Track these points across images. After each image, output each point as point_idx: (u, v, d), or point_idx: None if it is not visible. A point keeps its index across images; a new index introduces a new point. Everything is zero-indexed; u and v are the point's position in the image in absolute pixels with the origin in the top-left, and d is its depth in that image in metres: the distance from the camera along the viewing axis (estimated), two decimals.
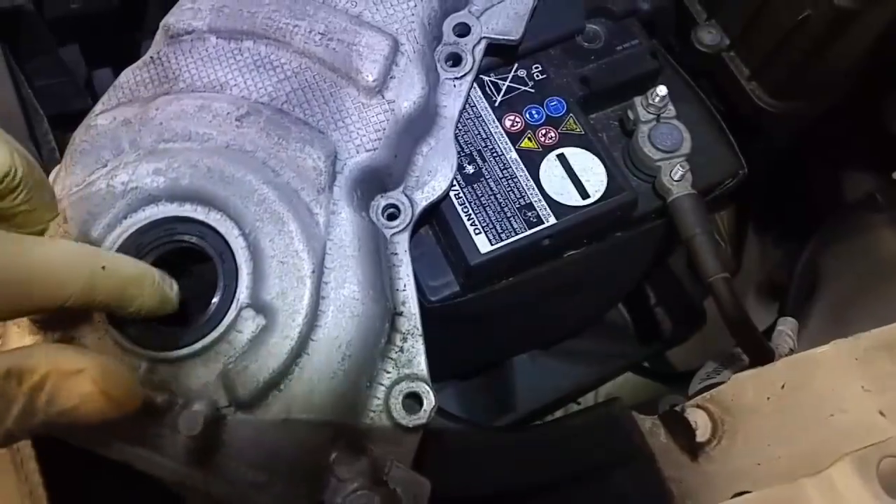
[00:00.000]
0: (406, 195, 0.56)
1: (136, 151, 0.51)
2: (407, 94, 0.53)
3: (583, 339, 0.88)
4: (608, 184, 0.61)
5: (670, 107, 0.64)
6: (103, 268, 0.40)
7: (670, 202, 0.63)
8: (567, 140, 0.62)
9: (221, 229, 0.49)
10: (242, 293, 0.48)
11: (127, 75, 0.55)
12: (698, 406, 0.55)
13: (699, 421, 0.54)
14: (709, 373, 0.70)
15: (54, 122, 0.71)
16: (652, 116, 0.64)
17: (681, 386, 0.91)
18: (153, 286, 0.44)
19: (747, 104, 0.67)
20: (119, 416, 0.37)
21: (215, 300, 0.48)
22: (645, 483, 0.52)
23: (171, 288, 0.45)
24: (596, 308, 0.79)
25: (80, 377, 0.36)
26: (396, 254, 0.55)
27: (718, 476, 0.52)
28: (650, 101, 0.64)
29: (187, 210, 0.50)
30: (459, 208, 0.59)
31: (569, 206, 0.60)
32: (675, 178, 0.63)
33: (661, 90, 0.63)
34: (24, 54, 0.72)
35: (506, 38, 0.60)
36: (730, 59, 0.68)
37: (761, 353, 0.61)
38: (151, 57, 0.55)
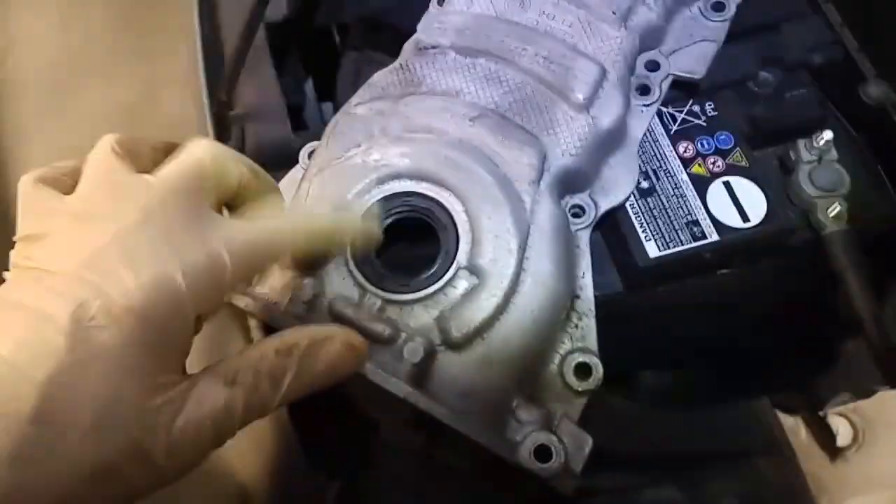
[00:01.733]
0: (592, 198, 0.66)
1: (386, 137, 0.64)
2: (608, 112, 0.63)
3: (709, 370, 0.93)
4: (767, 211, 0.69)
5: (833, 151, 0.71)
6: (312, 223, 0.54)
7: (824, 235, 0.69)
8: (733, 170, 0.70)
9: (448, 205, 0.61)
10: (461, 257, 0.59)
11: (379, 77, 0.68)
12: (841, 414, 0.60)
13: (841, 428, 0.59)
14: (844, 400, 0.74)
15: None
16: (814, 158, 0.71)
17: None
18: (353, 229, 0.57)
19: None
20: (360, 367, 0.50)
21: (439, 260, 0.60)
22: (785, 473, 0.57)
23: (376, 225, 0.59)
24: (734, 331, 0.85)
25: (332, 340, 0.48)
26: (578, 247, 0.65)
27: (855, 478, 0.57)
28: (814, 144, 0.71)
29: (424, 187, 0.62)
30: (633, 217, 0.68)
31: (730, 226, 0.68)
32: (832, 214, 0.69)
33: (828, 134, 0.69)
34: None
35: (689, 75, 0.70)
36: None
37: None
38: (400, 64, 0.68)
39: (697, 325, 0.78)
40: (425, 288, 0.59)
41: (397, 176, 0.62)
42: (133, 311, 0.41)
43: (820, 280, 0.77)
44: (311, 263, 0.61)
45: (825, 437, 0.60)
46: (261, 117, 0.75)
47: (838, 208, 0.69)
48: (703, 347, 0.82)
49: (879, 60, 0.75)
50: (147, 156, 0.48)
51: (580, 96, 0.63)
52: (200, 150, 0.47)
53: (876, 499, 0.53)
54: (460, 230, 0.60)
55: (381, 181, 0.62)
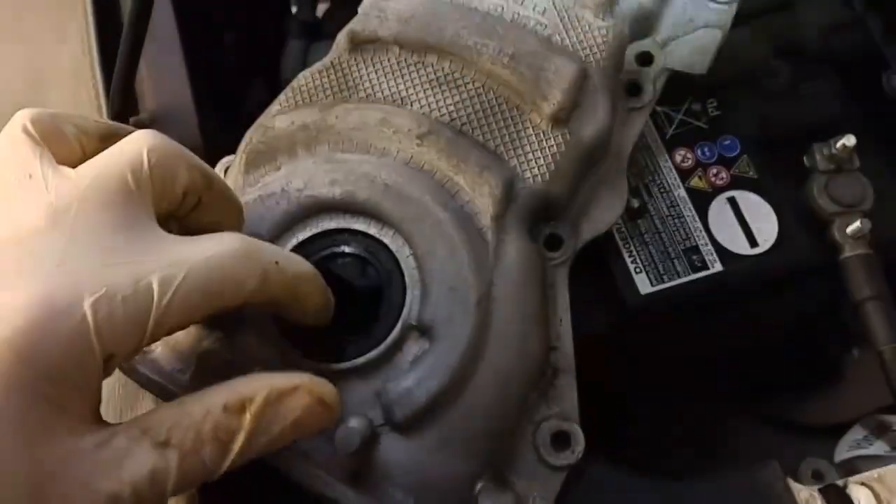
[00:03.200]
0: (571, 226, 0.54)
1: (313, 158, 0.52)
2: (590, 124, 0.51)
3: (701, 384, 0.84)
4: (779, 234, 0.58)
5: (855, 159, 0.60)
6: (276, 263, 0.40)
7: (843, 260, 0.59)
8: (739, 183, 0.59)
9: (392, 247, 0.49)
10: (408, 314, 0.48)
11: (305, 78, 0.55)
12: (863, 483, 0.51)
13: (862, 499, 0.50)
14: (858, 440, 0.65)
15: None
16: (832, 167, 0.60)
17: (807, 441, 0.86)
18: (321, 286, 0.44)
19: None
20: (331, 424, 0.39)
21: (381, 318, 0.48)
22: None
23: (330, 297, 0.45)
24: (737, 361, 0.76)
25: (297, 393, 0.37)
26: (554, 286, 0.54)
27: None
28: (833, 151, 0.59)
29: (360, 224, 0.49)
30: (620, 243, 0.57)
31: (736, 254, 0.57)
32: (851, 234, 0.58)
33: (850, 140, 0.58)
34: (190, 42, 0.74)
35: (689, 70, 0.57)
36: None
37: None
38: (332, 62, 0.55)
39: (690, 360, 0.68)
40: (363, 354, 0.47)
41: (326, 209, 0.49)
42: (10, 342, 0.30)
43: (830, 301, 0.68)
44: (217, 320, 0.49)
45: None
46: (169, 122, 0.62)
47: (859, 227, 0.58)
48: (696, 382, 0.72)
49: None
50: (72, 141, 0.38)
51: (555, 105, 0.50)
52: (141, 143, 0.37)
53: None
54: (407, 280, 0.48)
55: (306, 215, 0.49)
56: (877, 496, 0.51)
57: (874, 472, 0.52)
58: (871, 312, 0.57)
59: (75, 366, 0.32)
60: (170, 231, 0.38)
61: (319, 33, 0.86)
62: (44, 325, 0.31)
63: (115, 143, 0.38)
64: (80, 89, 0.66)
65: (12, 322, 0.31)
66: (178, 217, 0.40)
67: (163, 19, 0.66)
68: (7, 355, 0.30)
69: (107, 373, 0.35)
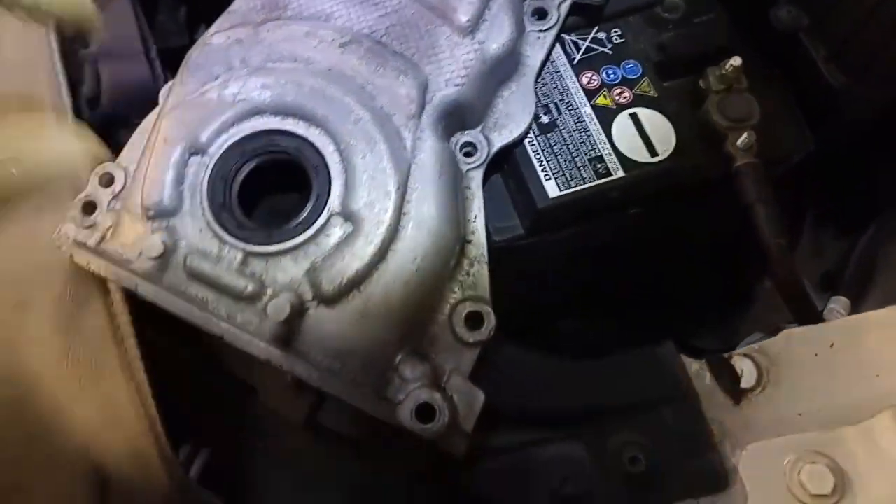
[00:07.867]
0: (484, 135, 0.60)
1: (246, 68, 0.57)
2: (496, 37, 0.57)
3: (624, 307, 0.89)
4: (676, 145, 0.64)
5: (742, 79, 0.66)
6: None
7: (734, 168, 0.65)
8: (640, 101, 0.65)
9: (318, 143, 0.54)
10: (334, 201, 0.53)
11: (240, 2, 0.60)
12: (745, 355, 0.57)
13: (745, 368, 0.57)
14: (755, 339, 0.71)
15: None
16: (723, 87, 0.66)
17: None
18: None
19: (821, 85, 0.69)
20: None
21: (308, 206, 0.53)
22: (687, 420, 0.54)
23: None
24: (649, 272, 0.82)
25: None
26: (470, 188, 0.59)
27: (759, 421, 0.54)
28: (723, 71, 0.66)
29: (289, 124, 0.55)
30: (532, 154, 0.63)
31: (638, 161, 0.63)
32: (741, 146, 0.65)
33: (736, 61, 0.65)
34: None
35: None
36: (807, 38, 0.69)
37: (811, 319, 0.62)
38: None
39: (606, 267, 0.74)
40: (293, 237, 0.52)
41: (258, 112, 0.55)
42: None
43: (733, 217, 0.74)
44: (164, 216, 0.53)
45: (729, 380, 0.57)
46: (116, 56, 0.66)
47: (748, 139, 0.65)
48: (613, 291, 0.78)
49: None
50: None
51: (464, 18, 0.56)
52: None
53: (777, 442, 0.50)
54: (332, 172, 0.54)
55: (241, 118, 0.54)
56: (757, 365, 0.57)
57: (755, 345, 0.58)
58: (758, 213, 0.64)
59: None
60: None
61: None
62: None
63: None
64: (30, 28, 0.69)
65: None
66: None
67: None
68: None
69: None
